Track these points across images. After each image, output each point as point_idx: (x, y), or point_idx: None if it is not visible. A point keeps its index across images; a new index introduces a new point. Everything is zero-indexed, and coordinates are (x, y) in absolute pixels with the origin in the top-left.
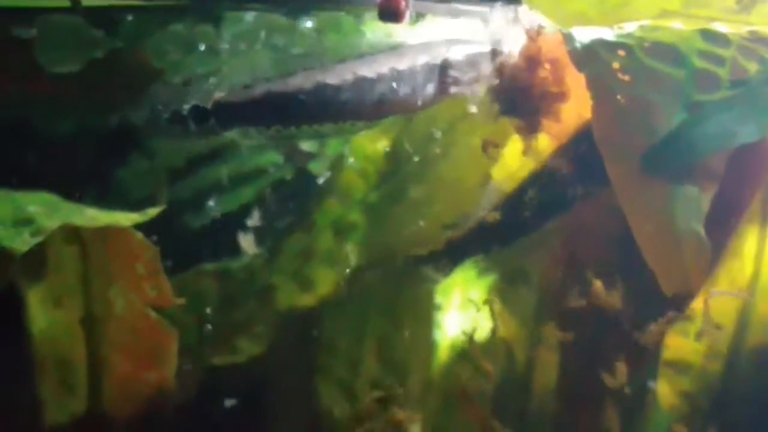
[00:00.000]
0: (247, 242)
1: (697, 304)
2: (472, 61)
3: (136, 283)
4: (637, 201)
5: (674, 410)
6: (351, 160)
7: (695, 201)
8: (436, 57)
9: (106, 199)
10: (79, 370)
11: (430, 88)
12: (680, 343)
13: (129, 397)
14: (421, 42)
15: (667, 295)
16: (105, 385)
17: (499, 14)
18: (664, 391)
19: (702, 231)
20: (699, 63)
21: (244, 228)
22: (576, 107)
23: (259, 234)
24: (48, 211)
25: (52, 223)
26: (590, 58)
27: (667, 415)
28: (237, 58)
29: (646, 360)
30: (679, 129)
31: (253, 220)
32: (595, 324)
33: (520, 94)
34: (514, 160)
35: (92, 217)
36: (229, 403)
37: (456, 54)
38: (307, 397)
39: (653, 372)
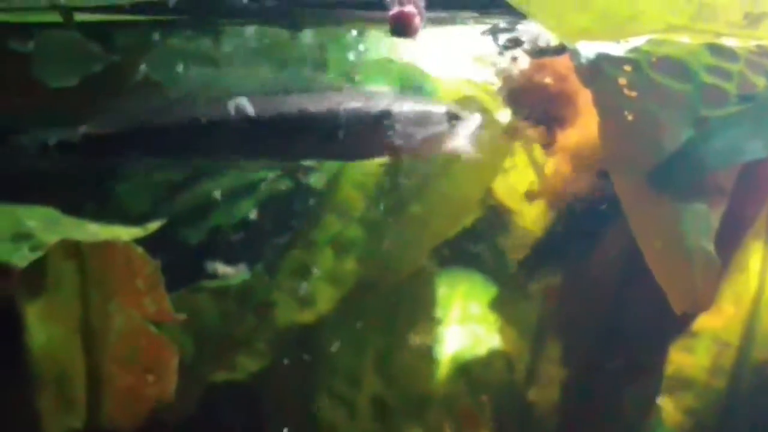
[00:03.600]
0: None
1: (702, 321)
2: (421, 119)
3: (135, 298)
4: (645, 218)
5: (678, 427)
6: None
7: (704, 218)
8: (375, 107)
9: (104, 214)
10: (78, 385)
11: (363, 138)
12: (684, 360)
13: (128, 413)
14: (366, 90)
15: (677, 313)
16: (104, 400)
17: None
18: (669, 407)
19: (712, 248)
20: (706, 78)
21: (242, 243)
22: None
23: (258, 249)
24: (47, 225)
25: (51, 238)
26: (596, 74)
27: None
28: (237, 71)
29: (649, 376)
30: (687, 145)
31: (251, 235)
32: (598, 338)
33: (533, 98)
34: (516, 176)
35: (92, 231)
36: (228, 420)
37: (401, 108)
38: (308, 413)
39: (656, 388)
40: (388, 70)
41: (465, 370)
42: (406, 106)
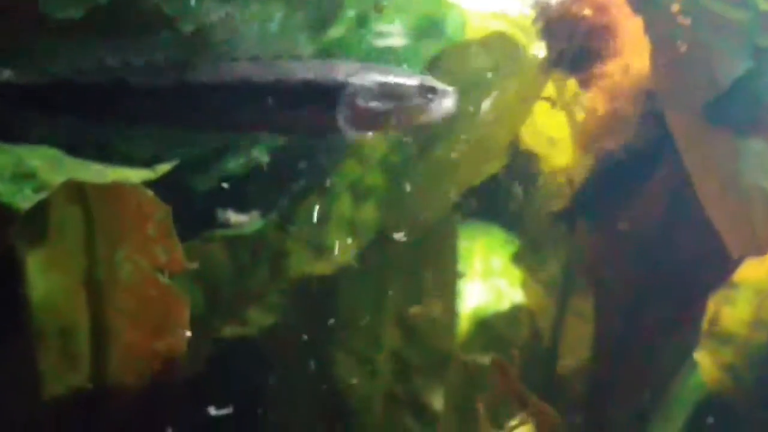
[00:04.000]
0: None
1: (743, 270)
2: (386, 92)
3: (145, 246)
4: (700, 156)
5: (716, 383)
6: None
7: (763, 155)
8: (331, 79)
9: (105, 160)
10: (81, 340)
11: (314, 113)
12: (724, 312)
13: (136, 370)
14: (331, 61)
15: (734, 257)
16: (110, 356)
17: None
18: (706, 362)
19: None
20: (765, 5)
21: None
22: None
23: (272, 197)
24: (51, 165)
25: (56, 179)
26: (648, 1)
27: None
28: (252, 8)
29: (686, 330)
30: (745, 77)
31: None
32: (632, 293)
33: (570, 31)
34: (547, 118)
35: (99, 172)
36: (240, 378)
37: (362, 80)
38: (323, 370)
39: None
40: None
41: (487, 326)
42: (369, 78)
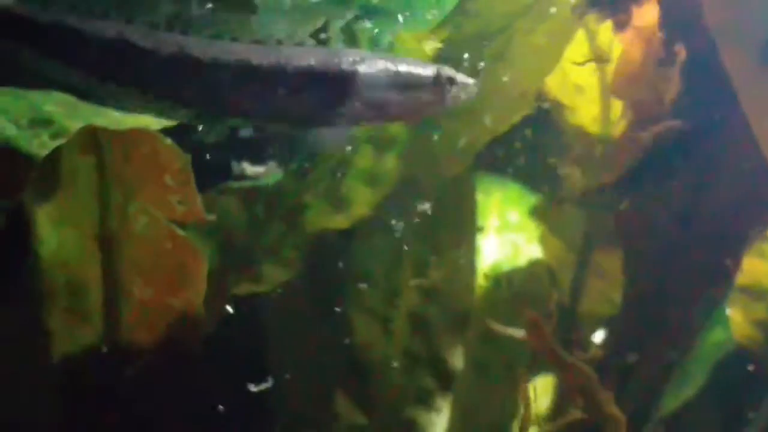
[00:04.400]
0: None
1: None
2: (398, 83)
3: (161, 197)
4: (756, 94)
5: (748, 339)
6: None
7: None
8: (333, 66)
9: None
10: (93, 297)
11: (316, 102)
12: (758, 267)
13: (150, 327)
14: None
15: None
16: (123, 313)
17: None
18: (738, 319)
19: None
20: None
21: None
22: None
23: (288, 147)
24: (68, 111)
25: (73, 124)
26: None
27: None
28: None
29: (719, 285)
30: None
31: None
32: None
33: None
34: (574, 68)
35: (117, 119)
36: (255, 335)
37: (370, 69)
38: (340, 328)
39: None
40: None
41: (505, 282)
42: (378, 67)
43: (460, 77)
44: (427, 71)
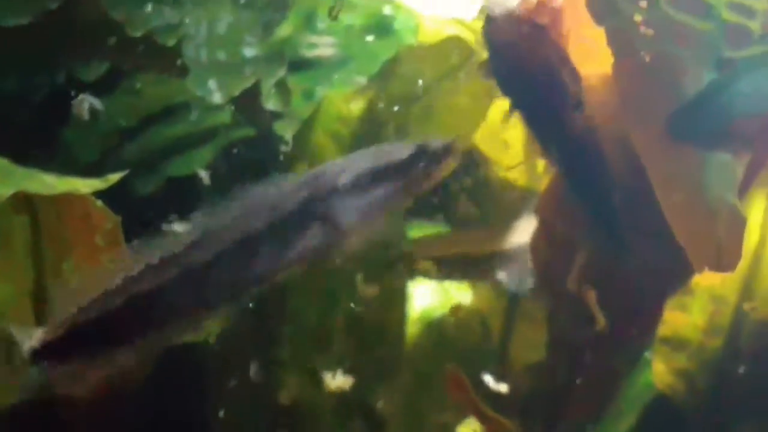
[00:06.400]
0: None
1: (698, 277)
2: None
3: (93, 256)
4: (664, 168)
5: (670, 389)
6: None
7: (728, 169)
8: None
9: (51, 164)
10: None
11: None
12: (678, 318)
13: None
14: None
15: (698, 272)
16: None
17: None
18: (660, 368)
19: (737, 202)
20: (728, 15)
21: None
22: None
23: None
24: (0, 176)
25: (5, 191)
26: (610, 10)
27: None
28: (200, 11)
29: (641, 336)
30: (709, 89)
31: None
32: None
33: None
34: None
35: (49, 183)
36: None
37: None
38: (271, 375)
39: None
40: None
41: (435, 328)
42: (356, 171)
43: (436, 144)
44: (404, 152)
